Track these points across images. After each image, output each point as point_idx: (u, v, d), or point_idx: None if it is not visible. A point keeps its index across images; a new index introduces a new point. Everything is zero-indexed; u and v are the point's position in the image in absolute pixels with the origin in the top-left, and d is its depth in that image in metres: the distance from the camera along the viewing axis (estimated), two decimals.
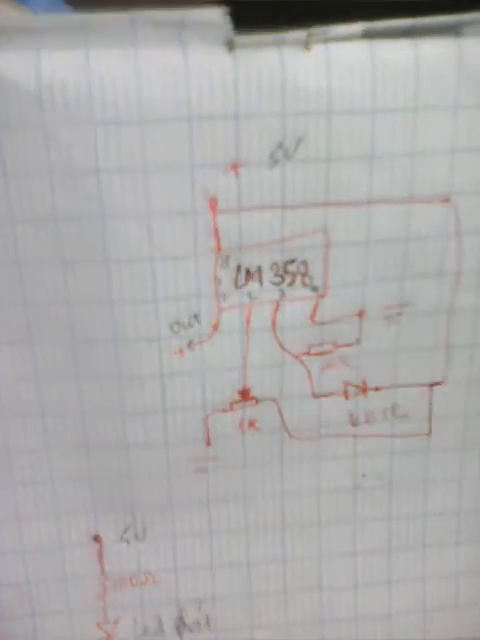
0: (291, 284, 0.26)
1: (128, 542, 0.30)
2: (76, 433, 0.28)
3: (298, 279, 0.26)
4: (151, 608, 0.30)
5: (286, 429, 0.28)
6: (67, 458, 0.28)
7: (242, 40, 0.23)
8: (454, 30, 0.24)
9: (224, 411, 0.28)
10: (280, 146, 0.24)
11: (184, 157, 0.24)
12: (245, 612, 0.31)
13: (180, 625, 0.31)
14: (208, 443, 0.28)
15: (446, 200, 0.25)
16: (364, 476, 0.30)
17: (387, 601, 0.31)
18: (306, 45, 0.23)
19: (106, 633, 0.31)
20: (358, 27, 0.23)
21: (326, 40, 0.23)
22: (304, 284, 0.26)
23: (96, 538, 0.29)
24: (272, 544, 0.30)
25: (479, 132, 0.25)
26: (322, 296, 0.26)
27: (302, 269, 0.26)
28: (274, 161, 0.24)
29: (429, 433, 0.29)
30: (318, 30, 0.23)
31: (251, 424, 0.28)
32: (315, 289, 0.26)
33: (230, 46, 0.23)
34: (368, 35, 0.23)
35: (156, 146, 0.23)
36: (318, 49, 0.23)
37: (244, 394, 0.28)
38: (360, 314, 0.27)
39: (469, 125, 0.25)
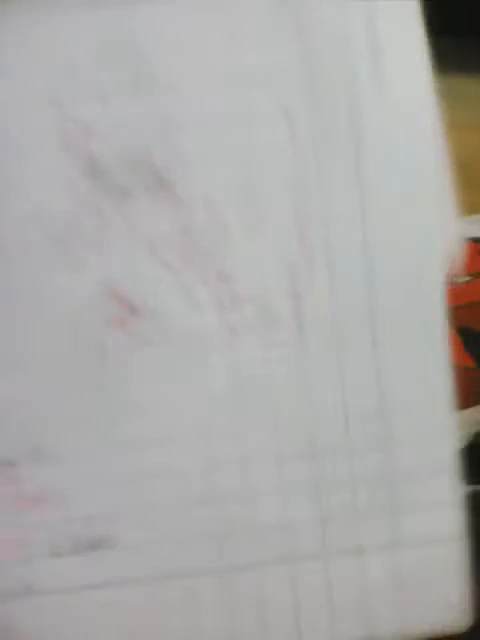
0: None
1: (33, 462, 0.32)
2: None
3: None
4: (60, 527, 0.32)
5: (169, 340, 0.31)
6: None
7: None
8: None
9: (110, 324, 0.31)
10: None
11: None
12: (145, 527, 0.32)
13: (91, 543, 0.32)
14: (98, 357, 0.31)
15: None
16: (247, 383, 0.31)
17: (283, 511, 0.32)
18: None
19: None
20: None
21: None
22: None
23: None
24: (164, 455, 0.32)
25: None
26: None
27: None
28: None
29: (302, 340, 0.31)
30: None
31: (137, 336, 0.31)
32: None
33: None
34: None
35: None
36: None
37: (126, 306, 0.31)
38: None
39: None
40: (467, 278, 0.43)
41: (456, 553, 0.32)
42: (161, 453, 0.32)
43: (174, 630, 0.32)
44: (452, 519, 0.32)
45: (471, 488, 0.32)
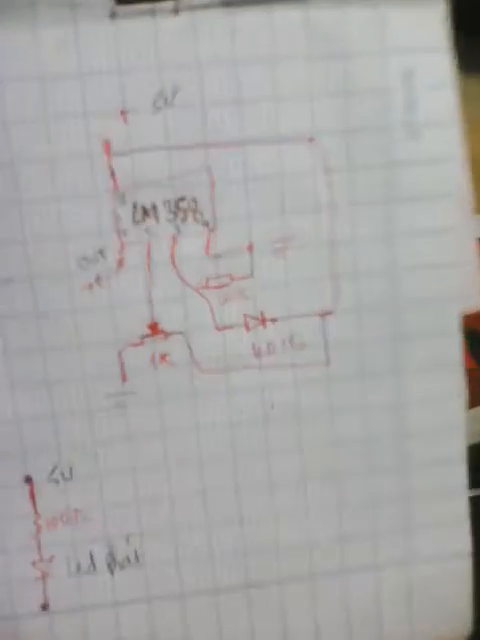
0: (184, 220, 0.30)
1: (57, 482, 0.32)
2: (1, 373, 0.30)
3: (190, 215, 0.30)
4: (83, 546, 0.32)
5: (195, 362, 0.31)
6: None
7: (122, 10, 0.28)
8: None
9: (135, 345, 0.31)
10: (160, 94, 0.29)
11: (79, 107, 0.28)
12: (171, 546, 0.32)
13: (111, 561, 0.32)
14: (124, 378, 0.31)
15: (311, 140, 0.30)
16: (273, 407, 0.32)
17: (305, 531, 0.33)
18: (174, 12, 0.28)
19: (41, 571, 0.32)
20: None
21: (191, 8, 0.28)
22: (196, 220, 0.30)
23: (27, 479, 0.31)
24: (191, 478, 0.32)
25: (331, 79, 0.29)
26: (212, 231, 0.30)
27: (192, 205, 0.30)
28: (157, 108, 0.29)
29: (328, 363, 0.32)
30: (184, 0, 0.28)
31: (163, 358, 0.31)
32: (206, 224, 0.30)
33: (113, 16, 0.28)
34: (227, 3, 0.29)
35: (55, 98, 0.28)
36: (185, 15, 0.28)
37: (153, 328, 0.31)
38: (250, 248, 0.31)
39: (321, 73, 0.29)
40: None
41: (465, 568, 0.34)
42: (187, 474, 0.32)
43: None
44: (463, 537, 0.34)
45: (473, 492, 0.34)
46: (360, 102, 0.30)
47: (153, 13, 0.28)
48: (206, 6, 0.28)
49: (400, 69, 0.30)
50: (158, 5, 0.28)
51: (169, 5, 0.28)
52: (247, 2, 0.29)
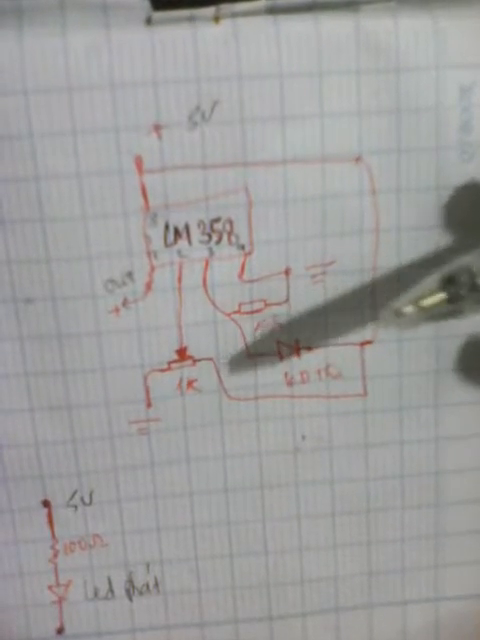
0: (218, 242, 0.28)
1: (75, 507, 0.30)
2: (20, 395, 0.29)
3: (225, 237, 0.28)
4: (101, 571, 0.31)
5: (224, 389, 0.30)
6: (12, 422, 0.29)
7: (159, 17, 0.26)
8: (351, 6, 0.27)
9: (162, 370, 0.29)
10: (197, 109, 0.26)
11: (109, 121, 0.26)
12: (192, 575, 0.31)
13: (130, 587, 0.31)
14: (148, 404, 0.30)
15: (358, 159, 0.28)
16: (304, 438, 0.31)
17: (332, 565, 0.32)
18: (215, 19, 0.26)
19: (57, 596, 0.31)
20: (261, 3, 0.26)
21: (233, 15, 0.26)
22: (230, 242, 0.28)
23: (45, 503, 0.30)
24: (216, 507, 0.31)
25: (382, 94, 0.27)
26: (248, 254, 0.28)
27: (228, 227, 0.28)
28: (193, 123, 0.26)
29: (364, 394, 0.30)
30: (225, 6, 0.26)
31: (190, 384, 0.30)
32: (242, 247, 0.28)
33: (148, 22, 0.26)
34: (272, 11, 0.26)
35: (83, 111, 0.26)
36: (226, 23, 0.26)
37: (181, 353, 0.29)
38: (286, 272, 0.29)
39: (372, 88, 0.27)
40: None
41: None
42: (211, 503, 0.31)
43: None
44: None
45: None
46: (412, 120, 0.27)
47: (192, 20, 0.26)
48: (249, 13, 0.26)
49: (456, 85, 0.27)
50: (198, 11, 0.26)
51: (210, 11, 0.26)
52: (293, 9, 0.26)
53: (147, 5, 0.26)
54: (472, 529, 0.32)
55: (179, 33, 0.26)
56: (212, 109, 0.26)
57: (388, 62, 0.27)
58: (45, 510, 0.30)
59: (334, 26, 0.26)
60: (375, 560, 0.32)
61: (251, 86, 0.26)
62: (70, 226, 0.27)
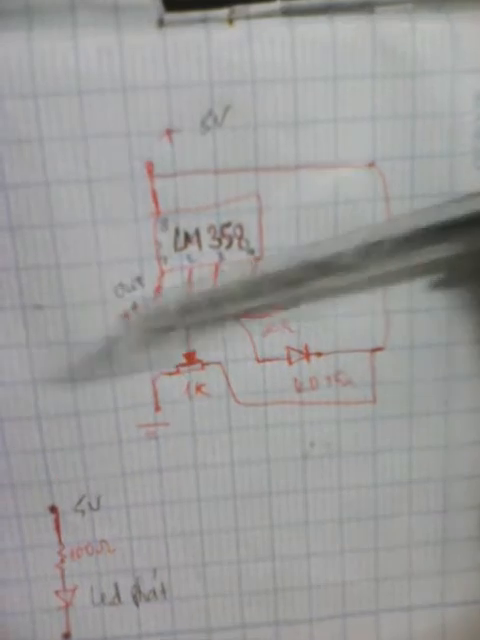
0: (228, 247, 0.28)
1: (83, 512, 0.30)
2: (27, 402, 0.29)
3: (235, 242, 0.28)
4: (108, 577, 0.31)
5: (233, 394, 0.29)
6: (20, 428, 0.29)
7: (171, 18, 0.25)
8: (367, 8, 0.26)
9: (171, 374, 0.29)
10: (210, 113, 0.26)
11: (120, 125, 0.26)
12: (200, 580, 0.31)
13: (136, 593, 0.31)
14: (157, 408, 0.29)
15: (371, 165, 0.27)
16: (312, 445, 0.30)
17: (340, 570, 0.31)
18: (229, 21, 0.25)
19: (64, 601, 0.31)
20: (276, 5, 0.26)
21: (248, 17, 0.26)
22: (240, 247, 0.28)
23: (52, 508, 0.30)
24: (224, 513, 0.31)
25: (398, 99, 0.27)
26: (258, 259, 0.28)
27: (238, 232, 0.27)
28: (205, 128, 0.26)
29: (374, 400, 0.30)
30: (240, 8, 0.25)
31: (199, 389, 0.29)
32: (251, 252, 0.28)
33: (160, 24, 0.25)
34: (287, 12, 0.26)
35: (94, 115, 0.26)
36: (241, 24, 0.26)
37: (189, 357, 0.29)
38: None
39: (387, 93, 0.27)
40: None
41: None
42: (219, 509, 0.31)
43: None
44: None
45: None
46: (426, 125, 0.27)
47: (205, 21, 0.25)
48: (264, 15, 0.26)
49: (472, 91, 0.27)
50: (211, 13, 0.25)
51: (223, 13, 0.25)
52: (309, 11, 0.26)
53: (159, 6, 0.25)
54: (476, 534, 0.32)
55: (192, 35, 0.25)
56: (225, 113, 0.26)
57: (404, 66, 0.26)
58: (52, 516, 0.30)
59: (350, 29, 0.26)
60: (382, 566, 0.32)
61: (265, 90, 0.26)
62: (80, 231, 0.27)
